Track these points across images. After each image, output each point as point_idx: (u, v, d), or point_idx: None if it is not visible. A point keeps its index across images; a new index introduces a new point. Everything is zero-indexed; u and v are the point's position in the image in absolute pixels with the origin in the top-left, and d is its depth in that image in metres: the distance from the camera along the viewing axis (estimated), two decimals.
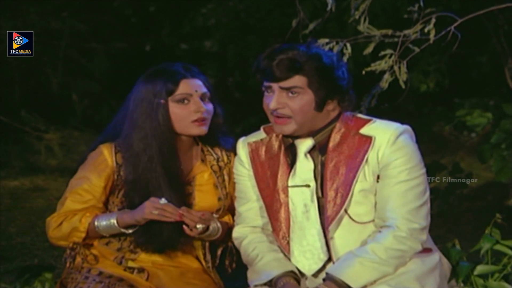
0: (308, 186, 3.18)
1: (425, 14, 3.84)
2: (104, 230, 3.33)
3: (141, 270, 3.35)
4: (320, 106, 3.15)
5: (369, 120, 3.21)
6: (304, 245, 3.18)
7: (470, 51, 6.69)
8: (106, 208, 3.41)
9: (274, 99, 3.13)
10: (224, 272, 3.50)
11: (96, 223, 3.33)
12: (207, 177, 3.46)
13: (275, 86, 3.13)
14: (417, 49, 3.87)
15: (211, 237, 3.38)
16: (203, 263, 3.46)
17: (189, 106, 3.36)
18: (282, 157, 3.24)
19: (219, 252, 3.49)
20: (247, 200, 3.33)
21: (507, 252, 3.67)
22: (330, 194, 3.14)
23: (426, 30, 3.82)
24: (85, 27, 7.67)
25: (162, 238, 3.32)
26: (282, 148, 3.24)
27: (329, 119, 3.19)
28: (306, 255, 3.18)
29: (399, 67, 3.87)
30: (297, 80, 3.11)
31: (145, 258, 3.39)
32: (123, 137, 3.36)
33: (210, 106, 3.41)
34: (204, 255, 3.46)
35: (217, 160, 3.49)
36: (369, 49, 3.94)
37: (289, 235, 3.22)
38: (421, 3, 3.84)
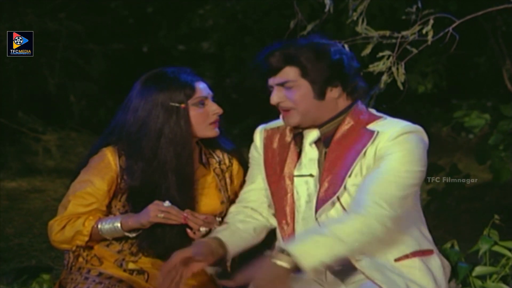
0: (312, 176, 3.19)
1: (423, 15, 3.84)
2: (108, 234, 3.32)
3: (141, 272, 3.35)
4: (320, 94, 3.15)
5: (380, 117, 3.20)
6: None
7: (468, 53, 6.68)
8: (108, 211, 3.40)
9: (274, 94, 3.18)
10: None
11: (99, 226, 3.32)
12: (210, 180, 3.45)
13: (271, 82, 3.18)
14: (415, 50, 3.87)
15: None
16: None
17: (205, 108, 3.37)
18: (292, 146, 3.26)
19: None
20: (251, 182, 3.37)
21: (505, 253, 3.67)
22: (324, 185, 3.14)
23: (424, 31, 3.83)
24: (82, 28, 7.66)
25: (164, 243, 3.31)
26: (293, 140, 3.27)
27: (338, 109, 3.19)
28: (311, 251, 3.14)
29: (397, 68, 3.88)
30: (288, 73, 3.14)
31: (145, 259, 3.39)
32: (129, 142, 3.34)
33: None
34: None
35: (219, 163, 3.49)
36: (367, 50, 3.94)
37: (293, 223, 3.21)
38: (419, 4, 3.85)
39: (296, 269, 2.96)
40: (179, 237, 3.29)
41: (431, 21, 3.81)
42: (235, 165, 3.49)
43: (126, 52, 8.64)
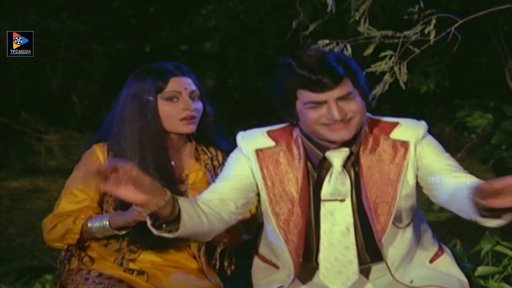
0: (343, 200, 3.05)
1: (425, 15, 3.84)
2: (98, 232, 3.33)
3: (141, 272, 3.35)
4: (366, 103, 3.03)
5: (396, 124, 3.12)
6: (332, 260, 3.06)
7: (470, 52, 6.69)
8: (101, 208, 3.41)
9: (335, 110, 2.94)
10: (224, 273, 3.49)
11: (89, 224, 3.33)
12: (201, 175, 3.46)
13: (330, 98, 2.95)
14: (417, 50, 3.87)
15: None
16: (199, 263, 3.46)
17: (178, 104, 3.36)
18: (302, 172, 3.07)
19: (217, 253, 3.48)
20: (227, 179, 3.10)
21: (508, 253, 3.67)
22: (375, 205, 3.04)
23: (426, 31, 3.83)
24: (84, 28, 7.67)
25: (154, 234, 3.31)
26: (302, 161, 3.07)
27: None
28: (336, 272, 3.07)
29: (399, 68, 3.87)
30: (347, 84, 2.97)
31: (144, 259, 3.39)
32: (113, 135, 3.38)
33: (199, 105, 3.40)
34: (199, 256, 3.45)
35: (212, 159, 3.49)
36: (369, 50, 3.93)
37: (312, 249, 3.10)
38: (421, 4, 3.84)
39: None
40: None
41: (433, 21, 3.81)
42: None
43: (129, 52, 8.64)
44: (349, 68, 2.99)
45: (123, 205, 3.32)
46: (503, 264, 3.66)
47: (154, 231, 2.87)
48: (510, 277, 3.65)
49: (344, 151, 3.03)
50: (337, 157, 3.04)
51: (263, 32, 8.52)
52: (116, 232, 3.31)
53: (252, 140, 3.14)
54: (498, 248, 3.68)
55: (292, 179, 3.08)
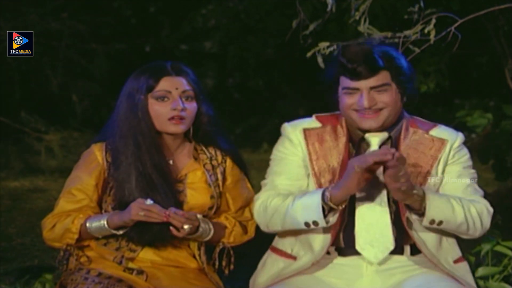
0: (377, 177, 3.23)
1: (425, 14, 3.84)
2: (96, 231, 3.34)
3: (140, 272, 3.34)
4: (402, 96, 3.27)
5: (435, 124, 3.38)
6: (371, 233, 3.23)
7: (470, 52, 6.67)
8: (100, 207, 3.42)
9: (366, 98, 3.21)
10: (223, 273, 3.49)
11: (87, 224, 3.33)
12: (200, 175, 3.45)
13: (363, 86, 3.21)
14: (417, 50, 3.87)
15: (203, 238, 3.36)
16: (199, 263, 3.46)
17: (167, 103, 3.36)
18: (344, 148, 3.31)
19: (216, 253, 3.48)
20: (289, 176, 3.36)
21: (507, 253, 3.67)
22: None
23: (426, 30, 3.83)
24: (85, 28, 7.68)
25: (152, 231, 3.32)
26: (345, 139, 3.31)
27: (399, 114, 3.31)
28: (373, 243, 3.23)
29: None
30: (383, 77, 3.22)
31: (144, 258, 3.39)
32: (110, 134, 3.39)
33: (191, 105, 3.39)
34: (199, 255, 3.45)
35: (210, 159, 3.48)
36: None
37: (343, 226, 3.27)
38: (421, 4, 3.84)
39: (413, 209, 3.17)
40: (166, 227, 3.29)
41: (433, 21, 3.81)
42: (229, 163, 3.49)
43: (129, 51, 8.65)
44: (391, 62, 3.23)
45: (122, 205, 3.32)
46: (503, 264, 3.66)
47: None
48: (510, 277, 3.65)
49: (383, 134, 3.27)
50: (375, 138, 3.27)
51: (263, 32, 8.52)
52: (114, 232, 3.32)
53: (299, 124, 3.41)
54: (498, 248, 3.68)
55: (335, 155, 3.32)
